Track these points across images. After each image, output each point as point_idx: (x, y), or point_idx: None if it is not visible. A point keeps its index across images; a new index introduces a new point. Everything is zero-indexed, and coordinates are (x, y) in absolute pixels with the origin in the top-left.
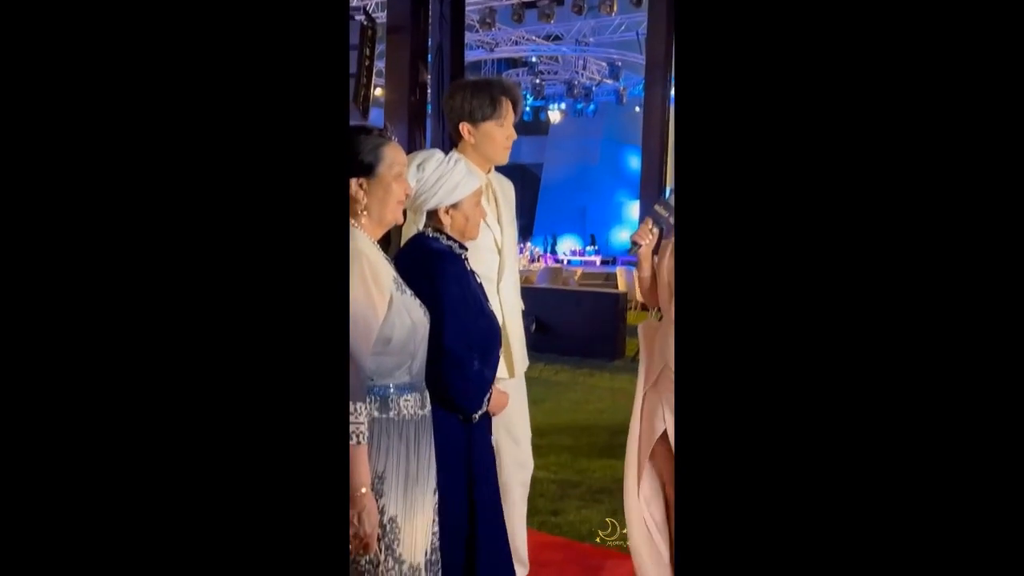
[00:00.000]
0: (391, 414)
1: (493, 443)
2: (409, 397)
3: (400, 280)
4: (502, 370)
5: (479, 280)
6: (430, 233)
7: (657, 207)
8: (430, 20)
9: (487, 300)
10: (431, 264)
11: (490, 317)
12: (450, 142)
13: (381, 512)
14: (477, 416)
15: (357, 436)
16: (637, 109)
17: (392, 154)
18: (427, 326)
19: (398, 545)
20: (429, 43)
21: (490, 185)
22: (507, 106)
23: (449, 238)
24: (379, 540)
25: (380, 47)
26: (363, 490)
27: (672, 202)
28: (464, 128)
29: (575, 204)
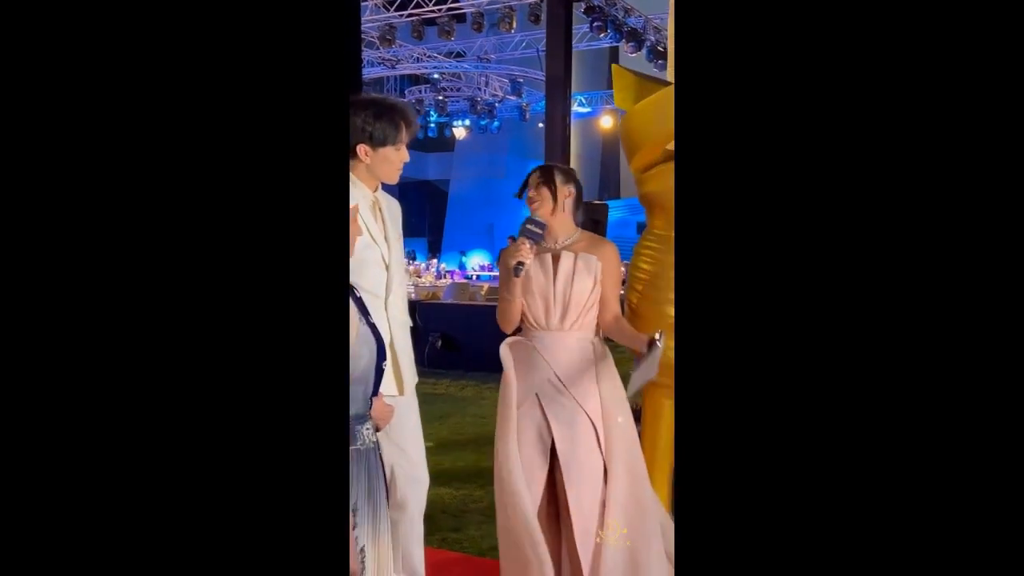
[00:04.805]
0: (358, 444)
1: (385, 461)
2: (368, 426)
3: (359, 310)
4: (391, 387)
5: (359, 294)
6: None
7: (529, 225)
8: None
9: (368, 315)
10: None
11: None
12: None
13: (355, 542)
14: None
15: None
16: (540, 125)
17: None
18: (375, 351)
19: (366, 572)
20: None
21: (377, 203)
22: (405, 131)
23: None
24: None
25: None
26: None
27: (541, 219)
28: (362, 149)
29: (483, 220)
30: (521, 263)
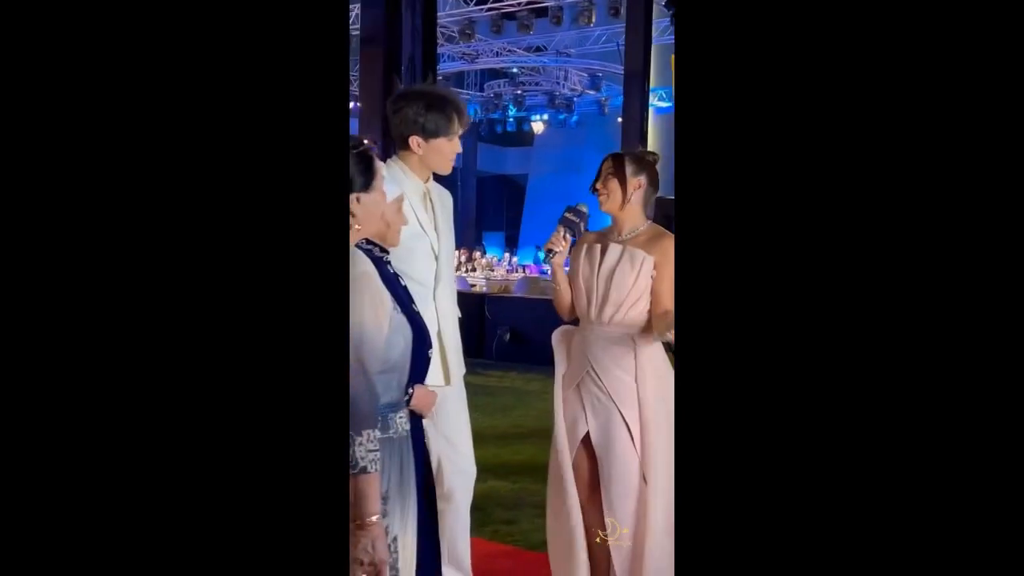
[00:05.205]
0: (390, 433)
1: (432, 450)
2: (402, 414)
3: (393, 299)
4: (437, 377)
5: (403, 283)
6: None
7: (568, 214)
8: (403, 32)
9: (411, 302)
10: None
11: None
12: (393, 146)
13: (387, 532)
14: None
15: (374, 463)
16: (619, 119)
17: (381, 168)
18: (411, 340)
19: (398, 562)
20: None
21: (428, 193)
22: (458, 122)
23: (369, 242)
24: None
25: (353, 59)
26: (374, 518)
27: (583, 208)
28: (414, 141)
29: (560, 214)
30: (551, 250)
